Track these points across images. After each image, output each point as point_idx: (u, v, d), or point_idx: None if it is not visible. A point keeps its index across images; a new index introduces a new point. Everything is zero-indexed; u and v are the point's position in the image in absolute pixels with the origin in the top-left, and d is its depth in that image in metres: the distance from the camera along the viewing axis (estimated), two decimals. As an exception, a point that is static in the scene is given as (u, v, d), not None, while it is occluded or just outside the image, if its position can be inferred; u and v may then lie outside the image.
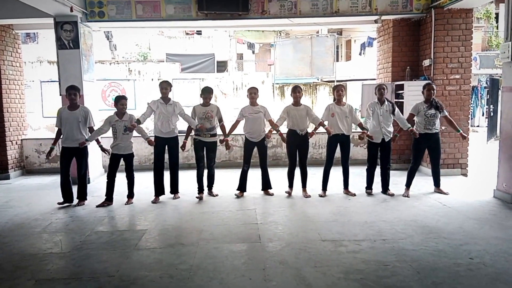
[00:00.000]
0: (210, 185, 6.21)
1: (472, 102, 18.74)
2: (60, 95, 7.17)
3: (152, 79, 15.02)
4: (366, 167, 6.30)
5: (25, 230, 4.71)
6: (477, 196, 5.89)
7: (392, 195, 5.97)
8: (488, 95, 17.51)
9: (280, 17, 7.36)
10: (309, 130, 6.07)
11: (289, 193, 6.11)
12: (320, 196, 6.03)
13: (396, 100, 7.71)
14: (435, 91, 5.88)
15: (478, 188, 6.34)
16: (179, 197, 6.05)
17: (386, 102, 5.90)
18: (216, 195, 6.13)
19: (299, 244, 4.08)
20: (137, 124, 5.61)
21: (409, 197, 5.87)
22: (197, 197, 5.97)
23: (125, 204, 5.75)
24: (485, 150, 9.92)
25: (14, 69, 8.27)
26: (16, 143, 8.32)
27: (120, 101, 5.71)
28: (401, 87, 7.61)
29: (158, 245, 4.14)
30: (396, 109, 5.99)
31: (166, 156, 6.01)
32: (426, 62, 7.43)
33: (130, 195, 5.87)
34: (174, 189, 6.11)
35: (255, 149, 6.06)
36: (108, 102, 14.17)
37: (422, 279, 3.26)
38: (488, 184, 6.15)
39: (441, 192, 6.05)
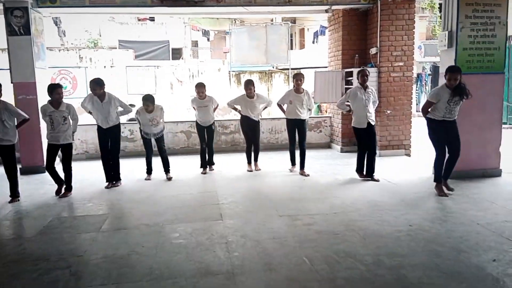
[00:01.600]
0: (166, 169, 6.50)
1: (417, 89, 19.88)
2: (12, 83, 6.98)
3: (105, 66, 14.70)
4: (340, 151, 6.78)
5: None
6: (419, 174, 6.45)
7: (377, 180, 5.94)
8: (431, 82, 18.68)
9: (235, 5, 7.53)
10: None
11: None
12: (290, 170, 6.76)
13: (346, 86, 8.18)
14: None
15: (420, 167, 6.92)
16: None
17: (369, 87, 6.02)
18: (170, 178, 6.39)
19: (258, 220, 4.38)
20: None
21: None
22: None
23: (60, 197, 5.48)
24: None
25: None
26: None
27: (56, 89, 5.37)
28: (350, 74, 8.06)
29: (122, 227, 4.29)
30: (376, 94, 6.22)
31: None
32: (373, 50, 7.92)
33: (68, 187, 5.62)
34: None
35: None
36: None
37: (368, 244, 3.67)
38: (429, 163, 6.71)
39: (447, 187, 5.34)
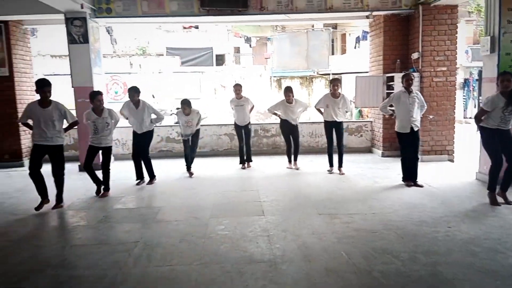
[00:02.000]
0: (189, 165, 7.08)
1: (464, 94, 19.32)
2: (72, 87, 7.64)
3: (153, 72, 15.46)
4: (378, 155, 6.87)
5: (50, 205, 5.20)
6: (461, 178, 6.42)
7: (421, 186, 5.90)
8: (479, 87, 18.07)
9: (277, 13, 7.84)
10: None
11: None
12: (328, 171, 7.06)
13: (387, 91, 8.24)
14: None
15: (463, 172, 6.87)
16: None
17: (414, 92, 5.97)
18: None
19: (298, 217, 4.60)
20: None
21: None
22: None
23: (100, 196, 5.70)
24: (474, 139, 10.46)
25: (24, 63, 8.69)
26: (29, 133, 8.77)
27: (96, 97, 5.62)
28: (391, 79, 8.12)
29: (173, 219, 4.65)
30: (422, 99, 6.09)
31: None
32: (415, 55, 7.94)
33: (106, 188, 5.83)
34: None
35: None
36: (110, 95, 14.61)
37: (405, 243, 3.80)
38: (472, 168, 6.67)
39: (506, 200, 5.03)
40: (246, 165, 7.62)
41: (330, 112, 6.88)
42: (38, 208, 5.07)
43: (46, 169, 5.15)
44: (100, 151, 5.89)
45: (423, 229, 4.17)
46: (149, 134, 6.54)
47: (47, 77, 5.25)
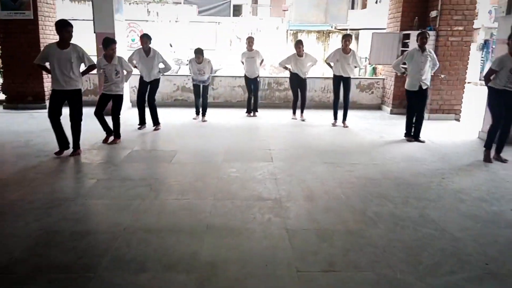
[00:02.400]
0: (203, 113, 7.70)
1: (483, 56, 18.95)
2: (95, 32, 7.88)
3: (170, 21, 15.48)
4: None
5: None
6: (464, 137, 6.67)
7: (423, 141, 6.20)
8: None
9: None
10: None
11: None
12: (333, 124, 7.45)
13: (402, 48, 8.30)
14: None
15: (467, 131, 7.10)
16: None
17: (427, 50, 6.07)
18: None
19: (304, 165, 4.97)
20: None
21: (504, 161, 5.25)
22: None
23: (108, 143, 5.83)
24: (484, 101, 10.48)
25: (48, 6, 8.90)
26: (49, 77, 9.14)
27: (110, 45, 5.69)
28: (407, 36, 8.15)
29: (189, 161, 5.07)
30: (435, 58, 6.19)
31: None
32: (433, 13, 7.92)
33: (117, 135, 5.97)
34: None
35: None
36: (127, 42, 14.74)
37: (400, 190, 4.16)
38: (477, 128, 6.88)
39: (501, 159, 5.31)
40: (252, 114, 8.21)
41: (339, 67, 7.22)
42: (58, 153, 5.18)
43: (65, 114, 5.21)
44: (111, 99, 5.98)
45: (419, 179, 4.51)
46: (156, 82, 6.79)
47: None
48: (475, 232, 3.26)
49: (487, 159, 5.25)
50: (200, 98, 7.65)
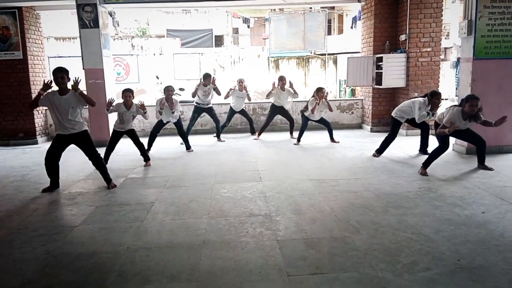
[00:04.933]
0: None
1: (457, 73, 19.84)
2: (84, 69, 8.22)
3: (154, 54, 15.93)
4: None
5: (71, 177, 5.87)
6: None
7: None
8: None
9: (276, -3, 8.38)
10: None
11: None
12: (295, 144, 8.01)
13: (377, 71, 8.84)
14: (477, 107, 5.34)
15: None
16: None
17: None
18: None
19: (291, 182, 5.29)
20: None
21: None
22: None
23: (144, 166, 6.47)
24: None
25: (37, 46, 9.25)
26: (41, 113, 9.40)
27: (124, 93, 6.43)
28: (381, 59, 8.70)
29: (182, 185, 5.33)
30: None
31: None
32: (402, 37, 8.51)
33: (146, 159, 6.60)
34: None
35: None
36: (114, 76, 15.09)
37: (380, 200, 4.50)
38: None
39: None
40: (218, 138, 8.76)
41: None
42: (46, 190, 5.20)
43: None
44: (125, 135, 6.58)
45: (397, 189, 4.87)
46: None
47: (51, 59, 5.40)
48: (448, 233, 3.58)
49: (424, 174, 5.49)
50: (191, 121, 8.38)
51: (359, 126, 9.88)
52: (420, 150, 6.92)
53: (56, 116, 5.01)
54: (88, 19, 8.10)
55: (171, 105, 7.20)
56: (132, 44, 16.05)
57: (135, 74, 16.18)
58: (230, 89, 8.89)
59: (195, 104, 8.41)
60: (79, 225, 4.03)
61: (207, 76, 8.26)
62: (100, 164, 5.35)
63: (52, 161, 5.19)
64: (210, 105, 8.46)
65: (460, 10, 19.80)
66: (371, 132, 9.18)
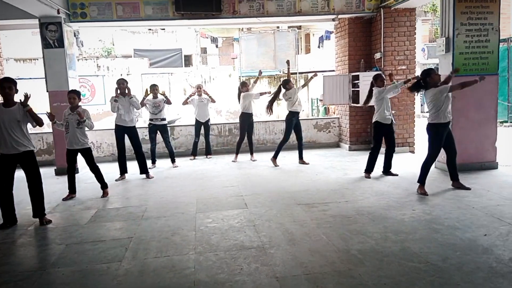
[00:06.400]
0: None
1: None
2: (47, 91, 7.67)
3: (121, 74, 15.36)
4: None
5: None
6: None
7: (396, 175, 6.48)
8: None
9: (249, 17, 8.20)
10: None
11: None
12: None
13: (353, 89, 8.78)
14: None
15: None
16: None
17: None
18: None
19: (279, 208, 4.98)
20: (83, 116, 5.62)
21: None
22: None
23: (101, 197, 5.82)
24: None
25: (-6, 68, 8.60)
26: None
27: (68, 94, 5.74)
28: (357, 77, 8.66)
29: (162, 215, 4.90)
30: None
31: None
32: (377, 55, 8.52)
33: (103, 186, 5.95)
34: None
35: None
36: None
37: (376, 224, 4.26)
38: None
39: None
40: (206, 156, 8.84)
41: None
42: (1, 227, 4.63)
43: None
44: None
45: (391, 212, 4.66)
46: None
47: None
48: (456, 261, 3.37)
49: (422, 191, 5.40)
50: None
51: (336, 145, 9.76)
52: (383, 171, 6.61)
53: (0, 132, 4.50)
54: (52, 38, 7.59)
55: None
56: (97, 64, 15.49)
57: (101, 95, 15.56)
58: (190, 96, 8.65)
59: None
60: (48, 268, 3.54)
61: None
62: (38, 193, 4.76)
63: (4, 188, 4.60)
64: (164, 122, 8.01)
65: (421, 28, 20.63)
66: (349, 150, 9.06)
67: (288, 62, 8.18)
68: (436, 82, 5.38)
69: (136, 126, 7.09)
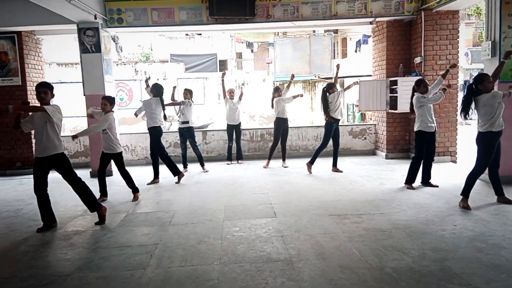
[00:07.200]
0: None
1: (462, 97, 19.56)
2: (84, 95, 7.85)
3: (158, 79, 15.64)
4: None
5: (68, 212, 5.40)
6: (464, 179, 6.57)
7: (437, 186, 6.15)
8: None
9: (283, 21, 8.07)
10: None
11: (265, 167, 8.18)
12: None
13: (391, 95, 8.44)
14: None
15: (465, 172, 7.01)
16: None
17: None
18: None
19: (309, 218, 4.79)
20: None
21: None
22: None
23: (132, 200, 5.91)
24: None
25: (36, 72, 8.92)
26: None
27: (101, 100, 5.92)
28: (395, 82, 8.32)
29: (189, 222, 4.84)
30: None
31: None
32: (418, 60, 8.15)
33: (134, 190, 6.05)
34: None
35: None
36: (116, 101, 14.80)
37: (413, 240, 3.99)
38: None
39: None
40: (237, 161, 8.81)
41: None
42: (41, 230, 4.70)
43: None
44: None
45: (430, 227, 4.35)
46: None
47: (53, 85, 4.82)
48: (501, 284, 3.07)
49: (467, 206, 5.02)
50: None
51: (372, 153, 9.41)
52: (422, 182, 6.25)
53: (35, 135, 4.62)
54: (89, 43, 7.78)
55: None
56: (135, 69, 15.84)
57: (138, 99, 15.89)
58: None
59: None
60: (73, 273, 3.53)
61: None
62: (81, 191, 4.83)
63: (39, 192, 4.68)
64: (187, 125, 7.97)
65: (464, 32, 19.74)
66: (386, 158, 8.70)
67: (338, 66, 7.94)
68: (489, 91, 4.97)
69: (171, 130, 7.14)
